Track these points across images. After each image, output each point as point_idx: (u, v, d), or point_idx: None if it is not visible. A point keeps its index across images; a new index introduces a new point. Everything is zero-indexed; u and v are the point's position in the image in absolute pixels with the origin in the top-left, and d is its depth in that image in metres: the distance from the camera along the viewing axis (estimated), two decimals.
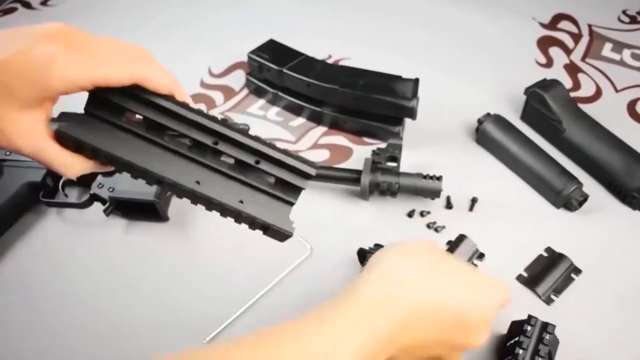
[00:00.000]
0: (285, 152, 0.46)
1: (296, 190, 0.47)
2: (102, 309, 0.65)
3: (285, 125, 0.84)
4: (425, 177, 0.70)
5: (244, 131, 0.46)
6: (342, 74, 0.79)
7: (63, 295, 0.66)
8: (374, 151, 0.73)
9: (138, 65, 0.44)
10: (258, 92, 0.87)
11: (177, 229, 0.72)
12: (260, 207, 0.46)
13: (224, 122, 0.46)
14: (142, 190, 0.70)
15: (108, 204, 0.73)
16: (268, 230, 0.46)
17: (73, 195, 0.76)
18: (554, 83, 0.79)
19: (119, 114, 0.45)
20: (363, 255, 0.65)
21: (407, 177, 0.70)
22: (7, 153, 0.75)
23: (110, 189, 0.72)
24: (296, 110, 0.84)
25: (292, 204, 0.47)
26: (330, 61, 0.93)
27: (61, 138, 0.43)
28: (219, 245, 0.70)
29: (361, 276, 0.47)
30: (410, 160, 0.77)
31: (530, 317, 0.57)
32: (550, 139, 0.79)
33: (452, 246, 0.56)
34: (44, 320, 0.64)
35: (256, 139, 0.46)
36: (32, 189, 0.74)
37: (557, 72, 0.89)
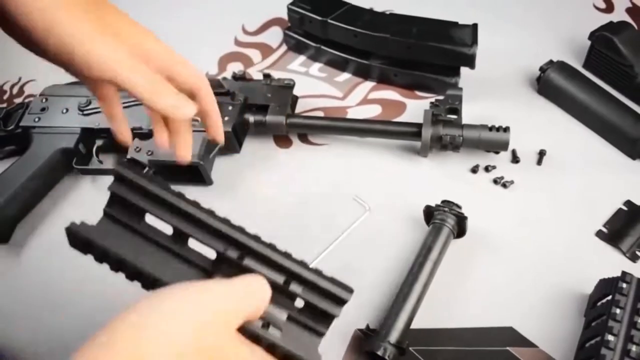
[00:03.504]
0: (318, 272, 0.39)
1: (327, 318, 0.39)
2: None
3: (330, 81, 0.78)
4: (491, 128, 0.64)
5: (273, 246, 0.39)
6: (393, 22, 0.73)
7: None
8: (432, 103, 0.67)
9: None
10: (298, 48, 0.82)
11: (221, 192, 0.68)
12: (285, 335, 0.38)
13: (253, 235, 0.39)
14: None
15: (147, 168, 0.68)
16: None
17: (108, 161, 0.71)
18: (623, 25, 0.72)
19: (139, 216, 0.40)
20: (430, 214, 0.59)
21: (471, 129, 0.64)
22: (36, 119, 0.71)
23: (149, 152, 0.67)
24: (341, 65, 0.78)
25: (322, 334, 0.39)
26: None
27: (72, 237, 0.39)
28: (269, 209, 0.65)
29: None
30: (468, 114, 0.71)
31: (624, 273, 0.51)
32: (619, 87, 0.73)
33: None
34: (83, 288, 0.60)
35: (287, 255, 0.39)
36: (65, 156, 0.69)
37: (620, 17, 0.82)
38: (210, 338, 0.32)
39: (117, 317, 0.31)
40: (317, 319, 0.39)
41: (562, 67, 0.71)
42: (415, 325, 0.54)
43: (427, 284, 0.55)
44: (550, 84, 0.71)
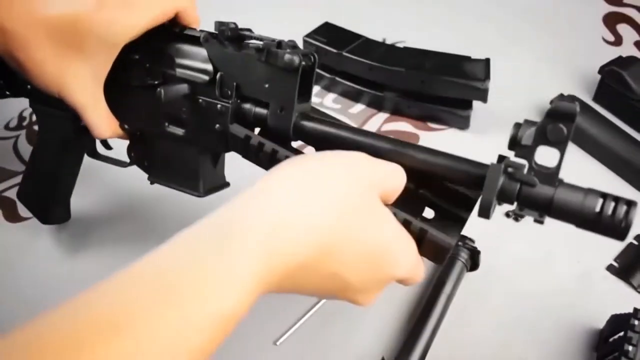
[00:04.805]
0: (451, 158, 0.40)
1: (456, 223, 0.40)
2: None
3: (345, 112, 0.80)
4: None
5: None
6: (407, 55, 0.75)
7: None
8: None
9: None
10: None
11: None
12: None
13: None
14: None
15: None
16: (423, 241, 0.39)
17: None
18: (633, 60, 0.74)
19: None
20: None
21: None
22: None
23: None
24: (355, 96, 0.80)
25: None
26: None
27: None
28: None
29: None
30: (480, 146, 0.72)
31: (637, 310, 0.52)
32: (629, 121, 0.74)
33: None
34: None
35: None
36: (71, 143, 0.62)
37: (628, 50, 0.84)
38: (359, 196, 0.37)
39: (278, 168, 0.37)
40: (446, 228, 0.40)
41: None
42: (429, 358, 0.55)
43: (441, 318, 0.56)
44: None
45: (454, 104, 0.74)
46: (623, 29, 0.88)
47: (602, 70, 0.75)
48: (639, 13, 0.90)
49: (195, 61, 0.48)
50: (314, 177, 0.36)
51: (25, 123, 0.85)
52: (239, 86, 0.46)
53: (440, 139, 0.75)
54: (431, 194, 0.41)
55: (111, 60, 0.48)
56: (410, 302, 0.60)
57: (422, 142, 0.75)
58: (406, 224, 0.39)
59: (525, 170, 0.37)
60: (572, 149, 0.73)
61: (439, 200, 0.40)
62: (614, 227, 0.35)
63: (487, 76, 0.70)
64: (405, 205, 0.40)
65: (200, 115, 0.48)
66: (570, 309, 0.59)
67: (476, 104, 0.74)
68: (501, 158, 0.39)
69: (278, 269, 0.33)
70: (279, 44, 0.43)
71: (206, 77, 0.47)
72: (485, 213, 0.37)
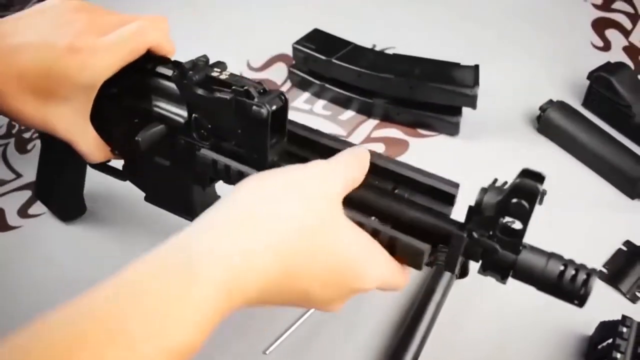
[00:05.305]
0: (422, 171, 0.41)
1: None
2: None
3: (334, 119, 0.80)
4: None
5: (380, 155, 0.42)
6: (396, 62, 0.75)
7: None
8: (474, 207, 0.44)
9: (148, 35, 0.49)
10: (302, 85, 0.83)
11: None
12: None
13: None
14: None
15: None
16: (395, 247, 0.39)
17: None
18: (620, 66, 0.74)
19: None
20: None
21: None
22: None
23: None
24: (344, 103, 0.80)
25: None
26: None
27: None
28: None
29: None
30: (469, 152, 0.73)
31: (625, 317, 0.52)
32: (617, 126, 0.74)
33: None
34: None
35: (394, 161, 0.42)
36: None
37: (617, 55, 0.85)
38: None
39: (235, 193, 0.37)
40: None
41: (562, 106, 0.73)
42: None
43: (430, 326, 0.56)
44: (550, 123, 0.73)
45: (444, 111, 0.74)
46: (611, 34, 0.88)
47: (591, 75, 0.75)
48: (627, 18, 0.90)
49: (171, 101, 0.50)
50: (269, 202, 0.37)
51: (14, 131, 0.84)
52: (214, 128, 0.47)
53: (430, 146, 0.75)
54: (408, 192, 0.41)
55: (91, 98, 0.49)
56: (400, 311, 0.60)
57: (412, 148, 0.75)
58: (375, 234, 0.39)
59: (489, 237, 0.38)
60: (561, 154, 0.73)
61: (416, 199, 0.41)
62: (572, 295, 0.37)
63: (476, 82, 0.70)
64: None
65: (181, 152, 0.50)
66: (559, 316, 0.58)
67: (466, 110, 0.74)
68: (470, 213, 0.39)
69: (239, 298, 0.34)
70: (247, 93, 0.42)
71: (181, 120, 0.49)
72: (450, 269, 0.39)
